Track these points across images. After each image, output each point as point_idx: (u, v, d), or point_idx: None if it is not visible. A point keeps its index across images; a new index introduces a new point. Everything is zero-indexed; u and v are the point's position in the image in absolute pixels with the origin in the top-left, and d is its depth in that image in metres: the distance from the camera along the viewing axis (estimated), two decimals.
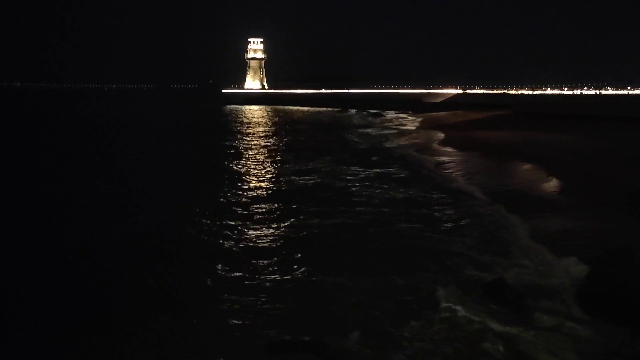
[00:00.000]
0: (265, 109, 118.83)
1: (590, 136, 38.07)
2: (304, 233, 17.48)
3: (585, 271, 12.92)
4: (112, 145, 46.74)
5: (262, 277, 13.60)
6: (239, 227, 18.26)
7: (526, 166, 27.90)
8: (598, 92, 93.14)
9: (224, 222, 18.92)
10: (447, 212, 19.87)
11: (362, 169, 30.71)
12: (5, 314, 11.85)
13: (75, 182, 27.37)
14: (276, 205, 21.69)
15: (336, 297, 12.31)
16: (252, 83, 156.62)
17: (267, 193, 24.57)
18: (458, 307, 11.39)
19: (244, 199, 23.01)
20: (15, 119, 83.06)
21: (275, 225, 18.58)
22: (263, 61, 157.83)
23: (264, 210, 20.89)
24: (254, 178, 28.62)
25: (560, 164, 27.32)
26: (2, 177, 29.08)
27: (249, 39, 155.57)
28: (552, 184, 23.30)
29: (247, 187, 25.95)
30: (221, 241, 16.71)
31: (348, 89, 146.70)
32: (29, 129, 63.82)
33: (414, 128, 61.91)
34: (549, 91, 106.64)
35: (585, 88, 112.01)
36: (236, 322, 11.10)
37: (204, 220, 19.13)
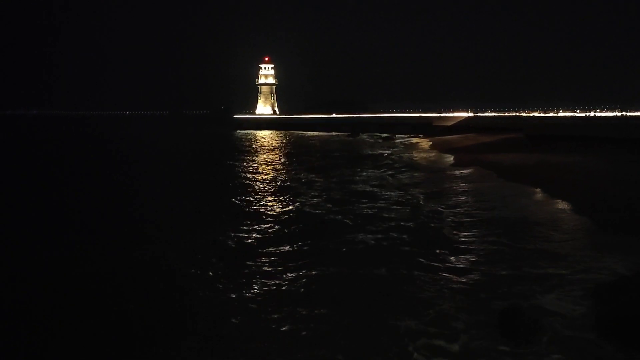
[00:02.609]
0: (277, 134, 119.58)
1: (604, 159, 37.60)
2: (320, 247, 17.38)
3: (605, 296, 12.58)
4: (127, 169, 47.12)
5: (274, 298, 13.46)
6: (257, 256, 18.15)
7: (538, 190, 27.56)
8: (623, 113, 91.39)
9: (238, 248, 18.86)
10: (460, 236, 19.56)
11: (375, 196, 30.50)
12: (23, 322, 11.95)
13: (89, 202, 27.57)
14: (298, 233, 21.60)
15: (341, 318, 12.20)
16: (264, 108, 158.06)
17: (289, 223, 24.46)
18: (470, 334, 11.16)
19: (259, 228, 22.93)
20: (32, 146, 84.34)
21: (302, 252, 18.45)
22: (274, 86, 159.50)
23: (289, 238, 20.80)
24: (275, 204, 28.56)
25: (574, 187, 26.95)
26: (19, 199, 29.38)
27: (260, 65, 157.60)
28: (566, 207, 22.94)
29: (265, 214, 25.87)
30: (233, 262, 16.60)
31: (359, 114, 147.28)
32: (47, 155, 64.67)
33: (426, 152, 61.78)
34: (561, 113, 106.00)
35: (599, 110, 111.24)
36: (244, 351, 10.96)
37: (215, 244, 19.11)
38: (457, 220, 22.25)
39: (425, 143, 76.81)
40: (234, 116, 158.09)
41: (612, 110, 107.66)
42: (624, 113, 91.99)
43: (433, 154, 56.94)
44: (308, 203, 27.85)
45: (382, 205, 26.60)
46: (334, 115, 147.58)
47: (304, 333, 11.63)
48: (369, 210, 25.17)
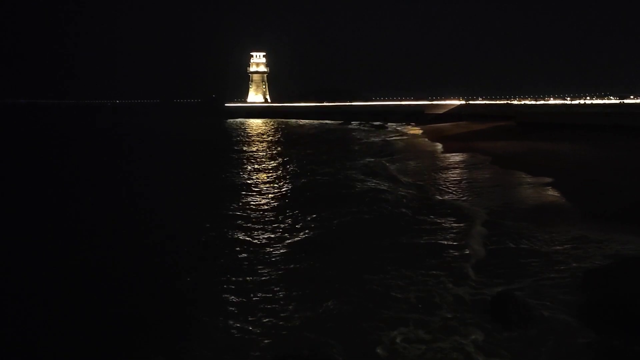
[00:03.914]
0: (269, 123, 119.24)
1: (594, 146, 37.89)
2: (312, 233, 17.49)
3: (593, 282, 12.75)
4: (119, 160, 46.90)
5: (269, 285, 13.55)
6: (250, 240, 18.21)
7: (529, 177, 27.77)
8: (622, 101, 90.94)
9: (234, 234, 18.93)
10: (450, 222, 19.70)
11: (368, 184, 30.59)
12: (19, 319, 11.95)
13: (86, 194, 27.47)
14: (287, 215, 21.67)
15: (335, 306, 12.31)
16: (255, 97, 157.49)
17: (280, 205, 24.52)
18: (463, 320, 11.31)
19: (252, 212, 22.97)
20: (21, 135, 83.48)
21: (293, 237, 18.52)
22: (265, 75, 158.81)
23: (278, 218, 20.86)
24: (267, 189, 28.58)
25: (565, 174, 27.18)
26: (13, 190, 29.17)
27: (251, 53, 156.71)
28: (556, 195, 23.15)
29: (258, 198, 25.91)
30: (228, 250, 16.68)
31: (350, 102, 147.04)
32: (38, 145, 64.04)
33: (418, 140, 61.91)
34: (551, 101, 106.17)
35: (588, 97, 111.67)
36: (241, 336, 11.09)
37: (213, 233, 19.15)
38: (448, 206, 22.38)
39: (417, 131, 76.92)
40: (226, 105, 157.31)
41: (602, 98, 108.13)
42: (622, 101, 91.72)
43: (425, 142, 57.06)
44: (304, 190, 27.93)
45: (375, 191, 26.69)
46: (325, 104, 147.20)
47: (299, 320, 11.77)
48: (362, 197, 25.29)
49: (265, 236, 18.89)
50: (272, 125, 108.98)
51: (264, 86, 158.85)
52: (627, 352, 9.89)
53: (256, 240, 18.33)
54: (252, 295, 13.32)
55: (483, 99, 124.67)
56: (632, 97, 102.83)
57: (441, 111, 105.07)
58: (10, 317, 12.55)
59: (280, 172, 36.86)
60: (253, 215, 22.44)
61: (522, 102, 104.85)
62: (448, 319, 11.51)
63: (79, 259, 16.63)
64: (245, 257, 16.46)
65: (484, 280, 13.68)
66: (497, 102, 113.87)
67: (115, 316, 12.33)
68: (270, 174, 35.61)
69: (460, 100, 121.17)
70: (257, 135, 79.72)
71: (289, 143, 62.11)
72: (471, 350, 10.20)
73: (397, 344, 10.55)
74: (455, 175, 31.49)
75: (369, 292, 13.18)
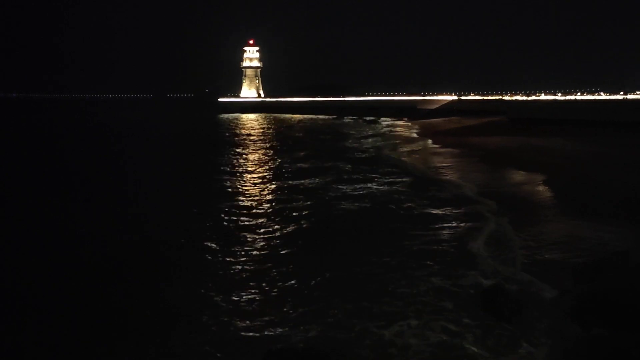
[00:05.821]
0: (262, 117, 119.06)
1: (584, 141, 38.25)
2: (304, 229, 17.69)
3: (583, 276, 12.99)
4: (112, 156, 46.76)
5: (262, 283, 13.70)
6: (242, 237, 18.36)
7: (520, 172, 28.04)
8: (625, 97, 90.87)
9: (226, 233, 19.06)
10: (441, 215, 19.96)
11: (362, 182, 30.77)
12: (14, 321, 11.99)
13: (76, 193, 27.47)
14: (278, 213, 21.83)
15: (329, 301, 12.41)
16: (248, 91, 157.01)
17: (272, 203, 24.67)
18: (455, 313, 11.53)
19: (245, 211, 23.12)
20: (13, 130, 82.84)
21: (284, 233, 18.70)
22: (259, 69, 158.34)
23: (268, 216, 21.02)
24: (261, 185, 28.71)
25: (556, 169, 27.45)
26: (6, 186, 29.07)
27: (245, 48, 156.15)
28: (547, 190, 23.43)
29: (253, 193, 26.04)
30: (220, 248, 16.80)
31: (344, 97, 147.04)
32: (27, 141, 63.62)
33: (410, 135, 62.14)
34: (543, 97, 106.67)
35: (579, 93, 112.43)
36: (235, 332, 11.19)
37: (205, 233, 19.24)
38: (439, 201, 22.54)
39: (409, 126, 77.19)
40: (219, 99, 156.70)
41: (593, 94, 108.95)
42: (625, 96, 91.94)
43: (417, 137, 57.28)
44: (297, 184, 28.04)
45: (370, 187, 26.89)
46: (319, 99, 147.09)
47: (292, 315, 11.88)
48: (354, 192, 25.43)
49: (260, 231, 18.92)
50: (266, 120, 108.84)
51: (257, 81, 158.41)
52: (614, 345, 10.12)
53: (251, 236, 18.36)
54: (246, 290, 13.36)
55: (475, 95, 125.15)
56: (621, 93, 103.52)
57: (434, 106, 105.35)
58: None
59: (275, 168, 36.94)
60: (248, 211, 22.50)
61: (514, 98, 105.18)
62: (440, 311, 11.61)
63: (69, 255, 16.58)
64: (240, 252, 16.49)
65: (475, 273, 13.84)
66: (490, 97, 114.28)
67: (107, 313, 12.32)
68: (267, 170, 35.69)
69: (452, 95, 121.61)
70: (252, 130, 79.61)
71: (284, 138, 62.08)
72: (463, 342, 10.30)
73: (388, 337, 10.68)
74: (446, 170, 31.70)
75: (363, 286, 13.28)
